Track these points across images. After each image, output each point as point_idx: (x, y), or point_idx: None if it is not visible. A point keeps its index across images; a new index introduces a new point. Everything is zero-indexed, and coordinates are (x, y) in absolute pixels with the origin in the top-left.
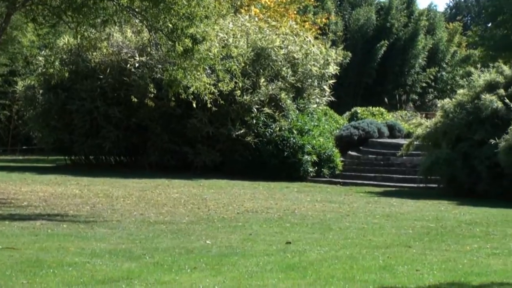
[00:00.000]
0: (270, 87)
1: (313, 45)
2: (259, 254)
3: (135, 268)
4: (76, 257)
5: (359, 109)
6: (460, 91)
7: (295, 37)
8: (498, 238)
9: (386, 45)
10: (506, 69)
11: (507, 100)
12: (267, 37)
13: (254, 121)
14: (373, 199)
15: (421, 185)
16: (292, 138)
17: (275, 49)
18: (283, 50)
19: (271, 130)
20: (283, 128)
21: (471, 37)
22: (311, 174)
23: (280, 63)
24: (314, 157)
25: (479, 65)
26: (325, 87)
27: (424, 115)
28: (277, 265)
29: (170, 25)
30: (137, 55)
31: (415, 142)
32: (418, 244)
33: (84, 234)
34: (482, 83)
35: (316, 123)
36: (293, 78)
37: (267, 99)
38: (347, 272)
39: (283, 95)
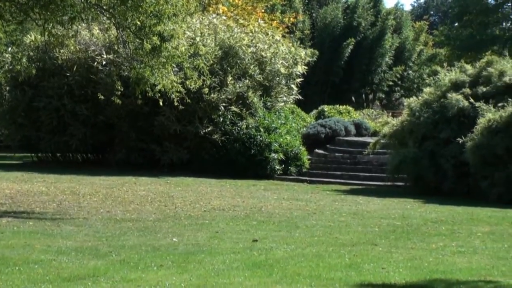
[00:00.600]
0: (237, 85)
1: (282, 44)
2: (225, 252)
3: (101, 265)
4: (42, 255)
5: (326, 108)
6: (426, 89)
7: (264, 35)
8: (463, 236)
9: (352, 43)
10: (469, 68)
11: (472, 100)
12: (235, 36)
13: (221, 119)
14: (339, 197)
15: (387, 183)
16: (259, 136)
17: (243, 48)
18: (251, 48)
19: (238, 128)
20: (250, 126)
21: (437, 37)
22: (278, 172)
23: (247, 61)
24: (281, 155)
25: (445, 64)
26: (292, 85)
27: (390, 114)
28: (244, 263)
29: (138, 23)
30: (104, 53)
31: (381, 141)
32: (384, 242)
33: (50, 231)
34: (448, 82)
35: (283, 121)
36: (260, 76)
37: (234, 97)
38: (313, 270)
39: (250, 93)
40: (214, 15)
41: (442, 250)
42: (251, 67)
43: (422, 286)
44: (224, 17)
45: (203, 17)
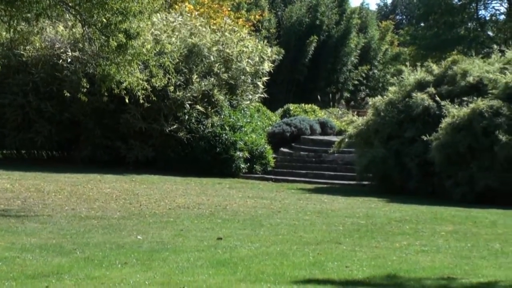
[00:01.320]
0: (203, 84)
1: (249, 42)
2: (190, 249)
3: (66, 263)
4: (6, 252)
5: (291, 106)
6: (391, 89)
7: (230, 33)
8: (427, 235)
9: (316, 41)
10: (435, 68)
11: (437, 98)
12: (199, 34)
13: (187, 117)
14: (304, 196)
15: (351, 182)
16: (224, 134)
17: (208, 46)
18: (217, 46)
19: (204, 126)
20: (215, 124)
21: (402, 36)
22: (243, 171)
23: (212, 59)
24: (246, 154)
25: (408, 64)
26: (258, 83)
27: (355, 113)
28: (208, 261)
29: (104, 20)
30: (69, 50)
31: (346, 140)
32: (348, 240)
33: (14, 228)
34: (412, 82)
35: (248, 120)
36: (226, 74)
37: (200, 96)
38: (277, 268)
39: (215, 91)
40: (178, 14)
41: (405, 249)
42: (216, 65)
43: (385, 285)
44: (188, 15)
45: (169, 15)
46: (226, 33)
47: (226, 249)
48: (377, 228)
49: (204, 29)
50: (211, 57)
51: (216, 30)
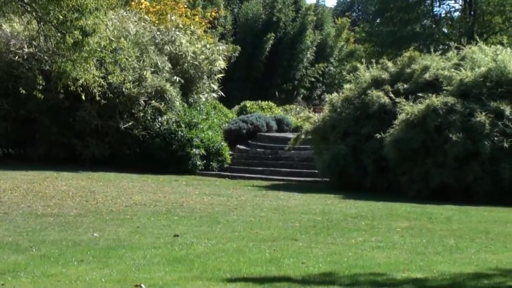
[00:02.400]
0: (156, 80)
1: (202, 39)
2: (146, 247)
3: (22, 260)
4: None
5: (248, 103)
6: (347, 86)
7: (183, 31)
8: (382, 232)
9: (273, 38)
10: (390, 65)
11: (392, 95)
12: (151, 31)
13: (142, 114)
14: (261, 193)
15: (308, 178)
16: (180, 132)
17: (161, 43)
18: (170, 44)
19: (159, 123)
20: (171, 121)
21: (358, 33)
22: (200, 168)
23: (155, 57)
24: (203, 151)
25: (364, 60)
26: (212, 84)
27: (312, 109)
28: (164, 258)
29: (60, 17)
30: (25, 47)
31: (302, 136)
32: (304, 237)
33: None
34: (369, 79)
35: (204, 117)
36: (180, 71)
37: (153, 92)
38: (234, 265)
39: (167, 87)
40: (133, 11)
41: (361, 245)
42: (167, 62)
43: (340, 281)
44: (141, 15)
45: (122, 12)
46: (177, 31)
47: (183, 246)
48: (333, 224)
49: (156, 26)
50: (154, 56)
51: (169, 28)
